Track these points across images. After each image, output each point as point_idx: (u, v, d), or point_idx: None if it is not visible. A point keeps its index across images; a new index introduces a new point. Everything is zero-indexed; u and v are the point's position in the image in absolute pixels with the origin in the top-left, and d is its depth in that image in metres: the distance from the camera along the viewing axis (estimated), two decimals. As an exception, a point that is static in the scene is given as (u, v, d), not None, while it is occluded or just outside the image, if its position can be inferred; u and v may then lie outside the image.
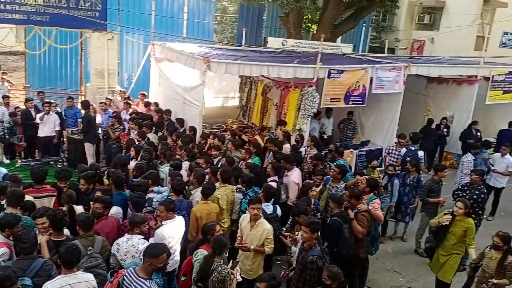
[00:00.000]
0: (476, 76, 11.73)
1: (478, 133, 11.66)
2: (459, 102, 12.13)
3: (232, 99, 13.36)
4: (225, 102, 13.36)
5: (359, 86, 9.75)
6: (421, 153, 9.20)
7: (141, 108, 10.86)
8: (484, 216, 8.28)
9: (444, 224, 5.52)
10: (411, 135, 10.03)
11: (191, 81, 9.64)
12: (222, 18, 24.49)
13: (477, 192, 6.85)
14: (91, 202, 4.91)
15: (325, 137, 10.88)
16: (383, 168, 9.14)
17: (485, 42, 13.83)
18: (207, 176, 6.08)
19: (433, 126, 11.67)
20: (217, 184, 5.77)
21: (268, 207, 5.49)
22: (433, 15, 22.81)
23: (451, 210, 5.63)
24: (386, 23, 24.26)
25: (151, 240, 4.48)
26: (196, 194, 5.66)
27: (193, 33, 16.24)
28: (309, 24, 17.57)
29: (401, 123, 11.08)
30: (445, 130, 11.75)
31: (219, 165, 6.82)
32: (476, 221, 6.63)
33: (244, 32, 13.13)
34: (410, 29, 23.60)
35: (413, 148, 9.33)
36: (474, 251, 5.47)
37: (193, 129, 8.70)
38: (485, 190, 7.24)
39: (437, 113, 12.59)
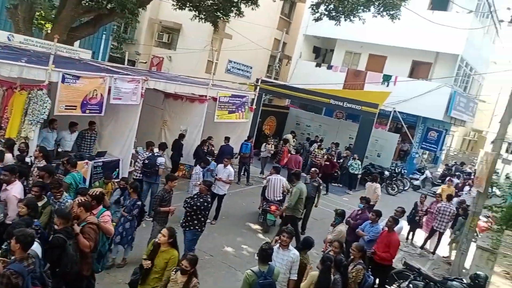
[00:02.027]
0: (206, 96, 13.13)
1: (212, 147, 13.28)
2: (192, 118, 13.29)
3: None
4: None
5: (96, 94, 9.38)
6: (161, 160, 9.77)
7: None
8: (209, 220, 9.30)
9: (146, 267, 5.13)
10: (160, 143, 10.74)
11: None
12: None
13: (201, 200, 7.56)
14: None
15: (60, 150, 9.90)
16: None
17: (213, 67, 15.66)
18: None
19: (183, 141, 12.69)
20: None
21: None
22: (171, 35, 24.43)
23: (157, 240, 5.25)
24: (128, 35, 24.45)
25: None
26: None
27: None
28: (43, 22, 15.88)
29: (140, 135, 11.30)
30: (213, 149, 13.11)
31: None
32: (197, 228, 7.37)
33: (-47, 15, 10.74)
34: (151, 45, 24.53)
35: (155, 154, 10.00)
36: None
37: None
38: (209, 199, 8.09)
39: (173, 127, 13.49)
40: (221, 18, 16.15)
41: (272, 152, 16.39)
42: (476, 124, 31.28)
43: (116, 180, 8.81)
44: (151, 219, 7.98)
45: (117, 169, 10.45)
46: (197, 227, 7.39)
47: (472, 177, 17.28)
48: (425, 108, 20.81)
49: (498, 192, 17.91)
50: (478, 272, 7.28)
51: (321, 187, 11.28)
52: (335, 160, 16.76)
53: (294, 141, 19.33)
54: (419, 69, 22.89)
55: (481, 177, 10.12)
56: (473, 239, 10.57)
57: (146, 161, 9.77)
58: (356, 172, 16.39)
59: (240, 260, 8.62)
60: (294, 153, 16.19)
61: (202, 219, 7.45)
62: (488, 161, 9.74)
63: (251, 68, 23.86)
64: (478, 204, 10.08)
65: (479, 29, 21.41)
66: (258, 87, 16.57)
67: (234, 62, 22.73)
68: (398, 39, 21.03)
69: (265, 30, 23.98)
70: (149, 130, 12.90)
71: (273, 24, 25.47)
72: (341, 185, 17.02)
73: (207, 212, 7.55)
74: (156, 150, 10.32)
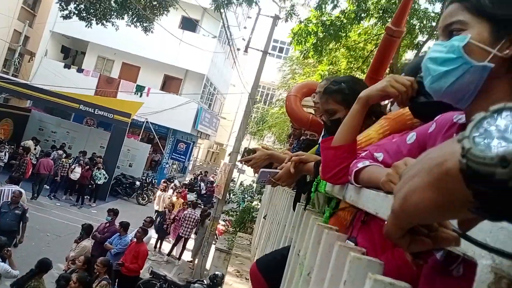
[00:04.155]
0: None
1: None
2: None
3: None
4: None
5: None
6: None
7: None
8: None
9: None
10: None
11: None
12: None
13: None
14: None
15: None
16: None
17: None
18: None
19: None
20: None
21: None
22: None
23: None
24: None
25: None
26: None
27: None
28: None
29: None
30: None
31: None
32: None
33: None
34: None
35: None
36: None
37: None
38: None
39: None
40: None
41: (5, 161, 14.08)
42: (218, 138, 35.11)
43: None
44: None
45: None
46: None
47: (214, 185, 19.21)
48: (176, 121, 22.01)
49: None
50: (216, 272, 8.09)
51: (26, 215, 8.12)
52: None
53: (35, 149, 17.14)
54: (171, 83, 24.09)
55: (220, 185, 11.37)
56: (214, 242, 11.72)
57: None
58: (99, 183, 15.66)
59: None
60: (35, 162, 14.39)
61: None
62: (226, 171, 11.03)
63: (-19, 60, 20.01)
64: (218, 210, 11.27)
65: (221, 53, 24.26)
66: (-11, 84, 14.00)
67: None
68: (152, 52, 21.62)
69: (2, 19, 20.58)
70: None
71: (13, 14, 22.11)
72: (88, 197, 16.08)
73: None
74: None
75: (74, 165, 15.38)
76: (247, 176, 24.43)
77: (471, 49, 0.87)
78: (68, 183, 15.30)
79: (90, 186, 15.41)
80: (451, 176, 0.45)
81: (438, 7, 8.21)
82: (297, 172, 1.99)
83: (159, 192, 13.81)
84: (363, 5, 8.06)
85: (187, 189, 18.31)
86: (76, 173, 14.94)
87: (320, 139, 2.47)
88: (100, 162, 16.19)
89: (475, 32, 0.88)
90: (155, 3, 14.25)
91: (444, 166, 0.46)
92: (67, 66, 22.54)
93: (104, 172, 15.70)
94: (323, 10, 8.43)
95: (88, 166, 15.28)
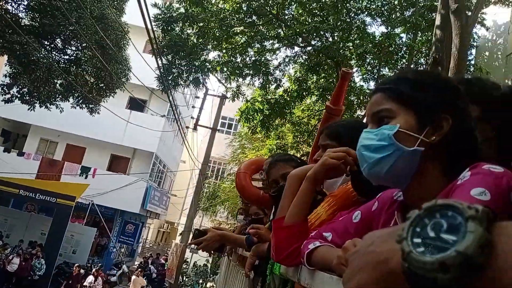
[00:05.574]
0: None
1: None
2: None
3: None
4: None
5: None
6: None
7: None
8: None
9: None
10: None
11: None
12: None
13: None
14: None
15: None
16: None
17: None
18: None
19: None
20: None
21: None
22: None
23: None
24: None
25: None
26: None
27: None
28: None
29: None
30: None
31: None
32: None
33: None
34: None
35: None
36: None
37: None
38: None
39: None
40: None
41: None
42: (169, 216, 34.01)
43: None
44: None
45: None
46: None
47: (166, 268, 18.21)
48: (123, 201, 21.18)
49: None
50: None
51: None
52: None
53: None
54: (118, 163, 23.54)
55: (172, 268, 10.81)
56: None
57: None
58: (39, 273, 14.32)
59: None
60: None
61: None
62: (177, 252, 10.57)
63: None
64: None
65: (170, 131, 24.40)
66: None
67: None
68: (98, 132, 21.27)
69: None
70: None
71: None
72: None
73: None
74: None
75: (11, 255, 14.10)
76: (200, 256, 23.48)
77: (401, 136, 0.93)
78: (4, 276, 13.91)
79: (29, 278, 14.06)
80: (396, 275, 0.45)
81: (372, 84, 8.92)
82: (255, 253, 1.99)
83: (90, 278, 12.80)
84: (304, 84, 8.59)
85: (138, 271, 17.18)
86: (14, 265, 13.67)
87: (271, 216, 2.47)
88: (39, 250, 14.98)
89: (403, 120, 0.95)
90: (101, 85, 14.32)
91: (388, 265, 0.46)
92: (7, 150, 21.46)
93: (43, 262, 14.48)
94: (267, 89, 8.88)
95: (27, 256, 14.05)
